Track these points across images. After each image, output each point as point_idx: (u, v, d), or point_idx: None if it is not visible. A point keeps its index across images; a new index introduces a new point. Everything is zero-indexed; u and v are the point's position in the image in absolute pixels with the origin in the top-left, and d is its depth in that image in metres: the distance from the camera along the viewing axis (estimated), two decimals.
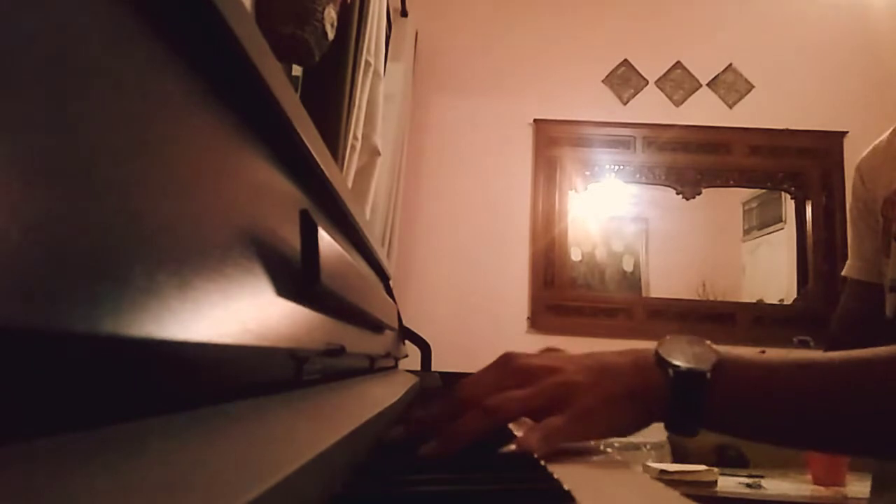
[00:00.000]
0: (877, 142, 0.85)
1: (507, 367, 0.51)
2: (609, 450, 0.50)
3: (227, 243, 0.26)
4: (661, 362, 0.49)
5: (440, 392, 1.18)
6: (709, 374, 0.48)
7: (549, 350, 0.56)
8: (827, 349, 0.86)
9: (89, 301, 0.16)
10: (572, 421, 0.47)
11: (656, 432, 0.59)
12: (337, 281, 0.40)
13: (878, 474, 0.82)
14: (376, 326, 0.75)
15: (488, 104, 2.74)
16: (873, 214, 0.82)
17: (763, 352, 2.23)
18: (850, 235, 0.90)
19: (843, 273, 0.90)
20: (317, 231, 0.36)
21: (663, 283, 2.70)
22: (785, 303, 2.65)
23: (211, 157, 0.27)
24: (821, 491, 1.86)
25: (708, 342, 0.51)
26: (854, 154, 2.50)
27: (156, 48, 0.23)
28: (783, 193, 2.72)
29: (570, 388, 0.48)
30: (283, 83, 0.35)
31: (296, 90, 1.17)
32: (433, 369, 1.47)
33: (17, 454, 0.14)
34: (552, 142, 2.72)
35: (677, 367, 0.49)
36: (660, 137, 2.71)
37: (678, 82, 2.78)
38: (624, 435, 0.51)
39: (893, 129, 0.82)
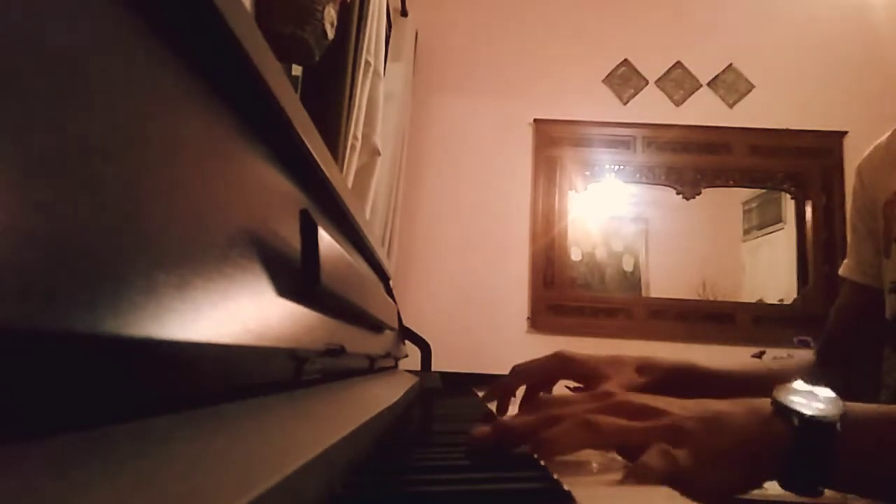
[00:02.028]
0: (876, 144, 0.85)
1: (609, 401, 0.46)
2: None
3: (227, 243, 0.26)
4: (784, 411, 0.44)
5: (440, 390, 1.17)
6: (839, 425, 0.43)
7: (557, 356, 0.53)
8: (820, 349, 0.86)
9: (89, 301, 0.16)
10: (682, 470, 0.41)
11: None
12: (337, 281, 0.40)
13: None
14: (376, 326, 0.75)
15: (488, 104, 2.74)
16: (873, 216, 0.82)
17: (763, 352, 2.23)
18: (849, 236, 0.90)
19: (839, 272, 0.89)
20: (317, 231, 0.36)
21: (663, 283, 2.70)
22: (785, 303, 2.65)
23: (211, 156, 0.27)
24: None
25: (830, 391, 0.46)
26: (854, 154, 2.51)
27: (156, 48, 0.23)
28: (783, 193, 2.72)
29: (678, 435, 0.42)
30: (283, 83, 0.35)
31: (296, 90, 1.17)
32: (433, 369, 1.47)
33: (17, 454, 0.14)
34: (552, 142, 2.72)
35: (803, 415, 0.43)
36: (660, 137, 2.71)
37: (678, 82, 2.78)
38: (735, 493, 0.44)
39: (893, 132, 0.82)
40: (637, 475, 0.38)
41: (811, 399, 0.45)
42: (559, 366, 0.56)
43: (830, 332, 0.88)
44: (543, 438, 0.41)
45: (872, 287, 0.82)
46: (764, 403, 0.46)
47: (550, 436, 0.41)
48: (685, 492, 0.38)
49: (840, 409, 0.44)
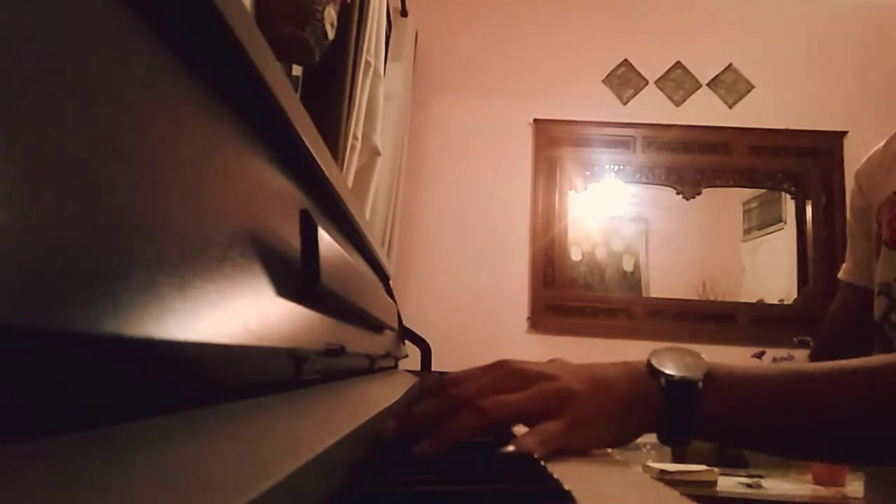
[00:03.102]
0: (873, 150, 0.87)
1: (502, 370, 0.51)
2: (609, 450, 0.50)
3: (227, 243, 0.26)
4: (654, 372, 0.50)
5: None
6: (700, 383, 0.49)
7: (553, 361, 0.56)
8: (815, 349, 0.88)
9: (89, 301, 0.16)
10: (568, 428, 0.47)
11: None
12: (337, 281, 0.40)
13: (871, 472, 0.84)
14: (376, 326, 0.75)
15: (488, 104, 2.74)
16: (869, 220, 0.84)
17: (763, 352, 2.24)
18: (848, 241, 0.93)
19: (839, 276, 0.92)
20: (317, 231, 0.36)
21: (663, 283, 2.70)
22: (785, 303, 2.65)
23: (211, 157, 0.27)
24: (821, 491, 1.86)
25: (699, 353, 0.51)
26: (854, 154, 2.51)
27: (156, 48, 0.23)
28: (783, 193, 2.72)
29: (565, 396, 0.48)
30: (283, 83, 0.35)
31: (296, 90, 1.17)
32: (433, 369, 1.47)
33: (17, 454, 0.14)
34: (552, 142, 2.72)
35: (669, 376, 0.49)
36: (660, 137, 2.71)
37: (678, 82, 2.78)
38: (617, 446, 0.51)
39: (890, 138, 0.85)
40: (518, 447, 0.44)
41: (679, 361, 0.50)
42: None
43: (826, 333, 0.90)
44: (441, 433, 0.45)
45: (867, 289, 0.84)
46: (641, 364, 0.51)
47: (447, 429, 0.45)
48: (579, 441, 0.47)
49: (703, 369, 0.49)
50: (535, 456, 0.43)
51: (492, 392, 0.48)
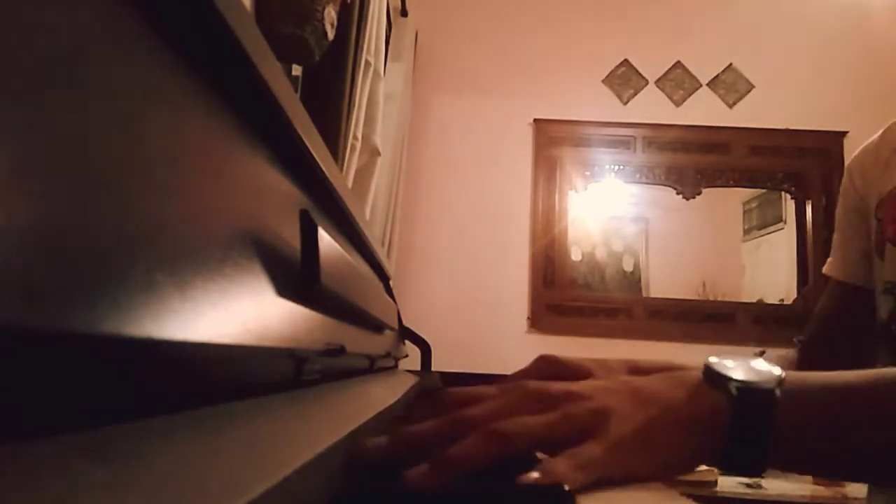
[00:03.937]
0: (866, 144, 0.84)
1: (521, 391, 0.42)
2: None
3: (227, 243, 0.26)
4: (718, 378, 0.40)
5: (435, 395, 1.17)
6: (777, 392, 0.39)
7: (542, 358, 0.49)
8: (803, 350, 0.85)
9: (89, 301, 0.16)
10: (609, 452, 0.37)
11: None
12: (337, 281, 0.40)
13: None
14: (376, 326, 0.75)
15: (488, 104, 2.75)
16: (863, 216, 0.81)
17: (763, 352, 2.23)
18: (835, 235, 0.89)
19: (823, 271, 0.87)
20: (317, 231, 0.36)
21: (663, 283, 2.70)
22: (785, 303, 2.65)
23: (211, 157, 0.27)
24: (821, 491, 1.86)
25: (761, 357, 0.43)
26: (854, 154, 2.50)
27: (155, 48, 0.23)
28: (783, 193, 2.72)
29: (602, 416, 0.39)
30: (283, 83, 0.35)
31: (296, 90, 1.17)
32: (433, 369, 1.47)
33: (17, 454, 0.14)
34: (552, 142, 2.72)
35: (742, 382, 0.39)
36: (660, 137, 2.71)
37: (678, 82, 2.78)
38: (672, 475, 0.40)
39: (884, 131, 0.81)
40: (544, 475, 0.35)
41: (746, 366, 0.41)
42: (547, 368, 0.52)
43: (814, 333, 0.86)
44: (448, 457, 0.36)
45: (859, 287, 0.81)
46: (690, 374, 0.42)
47: (454, 454, 0.36)
48: (625, 468, 0.37)
49: (778, 375, 0.40)
50: (568, 488, 0.34)
51: (508, 415, 0.39)
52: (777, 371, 0.40)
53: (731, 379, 0.40)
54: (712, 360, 0.42)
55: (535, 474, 0.34)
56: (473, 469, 0.36)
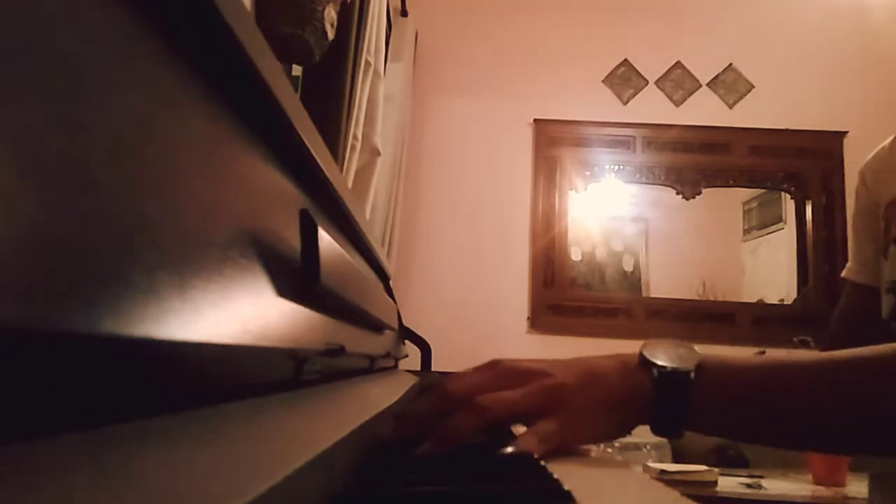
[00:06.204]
0: (880, 147, 0.87)
1: (496, 369, 0.51)
2: (609, 450, 0.51)
3: (227, 243, 0.26)
4: (646, 364, 0.50)
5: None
6: (692, 374, 0.49)
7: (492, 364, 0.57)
8: (824, 350, 0.87)
9: (89, 301, 0.16)
10: (563, 425, 0.47)
11: None
12: (337, 281, 0.40)
13: (876, 473, 0.83)
14: (376, 326, 0.75)
15: (488, 104, 2.74)
16: (875, 218, 0.84)
17: (763, 352, 2.23)
18: (850, 239, 0.92)
19: (842, 275, 0.91)
20: (317, 231, 0.36)
21: (663, 283, 2.70)
22: (785, 303, 2.65)
23: (211, 157, 0.27)
24: (821, 491, 1.86)
25: (691, 345, 0.52)
26: (854, 154, 2.51)
27: (155, 48, 0.23)
28: (783, 193, 2.72)
29: (559, 392, 0.49)
30: (283, 83, 0.35)
31: (296, 90, 1.17)
32: (433, 369, 1.47)
33: (17, 454, 0.14)
34: (552, 142, 2.72)
35: (662, 367, 0.50)
36: (660, 137, 2.71)
37: (678, 82, 2.78)
38: (612, 439, 0.51)
39: None
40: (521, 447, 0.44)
41: (671, 352, 0.51)
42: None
43: (833, 334, 0.89)
44: (439, 432, 0.46)
45: (872, 287, 0.83)
46: (633, 357, 0.52)
47: (444, 429, 0.46)
48: (576, 437, 0.49)
49: (695, 360, 0.50)
50: (536, 456, 0.43)
51: (487, 390, 0.48)
52: (696, 357, 0.50)
53: (654, 364, 0.50)
54: (645, 348, 0.52)
55: (510, 448, 0.44)
56: (464, 437, 0.45)
